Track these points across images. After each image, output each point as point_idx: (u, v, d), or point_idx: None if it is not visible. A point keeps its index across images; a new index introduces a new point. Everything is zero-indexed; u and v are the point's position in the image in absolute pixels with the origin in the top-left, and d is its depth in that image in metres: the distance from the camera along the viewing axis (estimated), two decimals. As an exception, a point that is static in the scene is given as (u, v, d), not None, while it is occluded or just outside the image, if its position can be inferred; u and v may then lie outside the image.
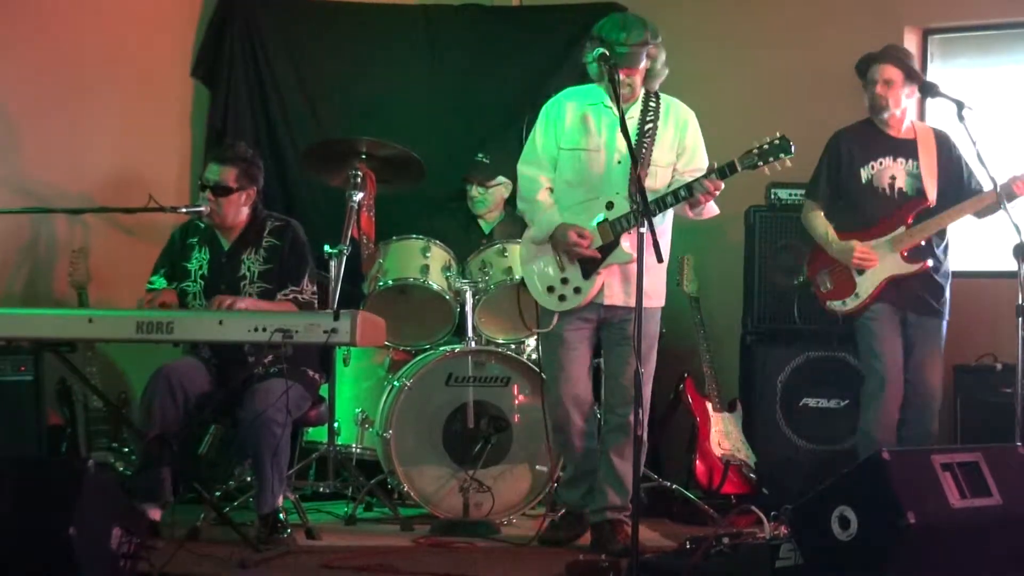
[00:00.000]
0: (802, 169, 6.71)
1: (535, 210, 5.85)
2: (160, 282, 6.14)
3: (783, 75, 7.75)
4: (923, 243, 6.35)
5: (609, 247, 5.70)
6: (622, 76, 5.62)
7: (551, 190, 5.85)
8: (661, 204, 5.64)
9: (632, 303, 5.68)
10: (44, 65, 7.11)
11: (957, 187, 6.44)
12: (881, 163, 6.44)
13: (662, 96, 5.86)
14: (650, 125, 5.75)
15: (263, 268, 6.11)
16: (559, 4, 8.09)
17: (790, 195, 7.22)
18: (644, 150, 5.70)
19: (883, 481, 4.66)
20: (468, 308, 6.66)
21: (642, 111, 5.78)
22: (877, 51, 6.49)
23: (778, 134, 5.55)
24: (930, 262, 6.34)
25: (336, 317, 5.23)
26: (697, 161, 5.81)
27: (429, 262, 6.73)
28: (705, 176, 5.56)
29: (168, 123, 7.78)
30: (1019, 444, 5.25)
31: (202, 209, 6.09)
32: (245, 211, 6.15)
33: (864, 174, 6.45)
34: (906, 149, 6.44)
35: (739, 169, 5.55)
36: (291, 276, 6.09)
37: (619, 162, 5.72)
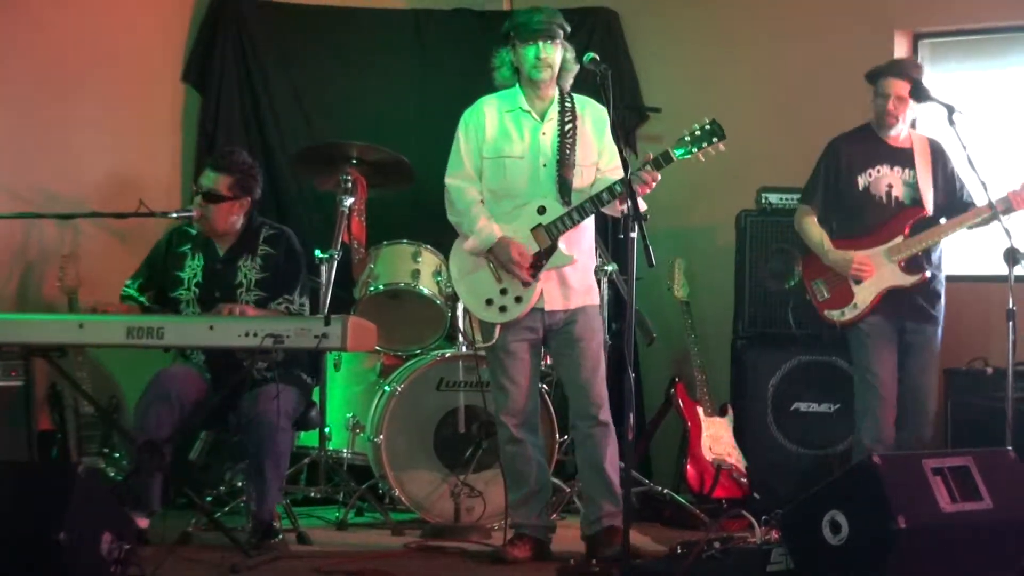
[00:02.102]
0: (794, 173, 6.74)
1: (471, 222, 5.72)
2: (132, 289, 6.14)
3: (773, 79, 7.75)
4: (920, 253, 6.32)
5: (547, 251, 5.63)
6: (542, 55, 5.63)
7: (482, 201, 5.76)
8: (597, 202, 5.58)
9: (571, 305, 5.71)
10: (35, 69, 7.09)
11: (951, 199, 6.41)
12: (879, 171, 6.37)
13: (575, 96, 5.81)
14: (569, 125, 5.70)
15: (260, 276, 6.10)
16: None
17: (781, 199, 7.22)
18: (567, 151, 5.66)
19: (874, 485, 4.67)
20: (459, 313, 6.65)
21: (560, 112, 5.73)
22: (889, 63, 6.42)
23: (707, 119, 5.50)
24: (928, 272, 6.32)
25: (327, 322, 5.23)
26: (617, 159, 5.63)
27: (420, 267, 6.73)
28: (641, 167, 5.48)
29: (159, 127, 7.78)
30: (1009, 448, 5.27)
31: (192, 213, 6.07)
32: (238, 220, 6.13)
33: (861, 181, 6.37)
34: (903, 158, 6.38)
35: (674, 158, 5.48)
36: (285, 286, 6.08)
37: (544, 165, 5.67)
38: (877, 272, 6.30)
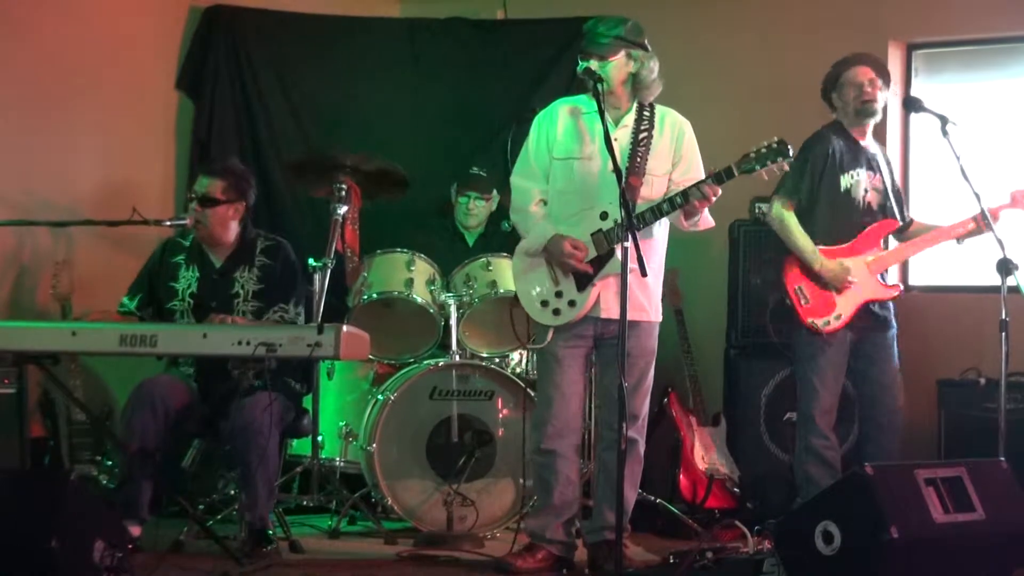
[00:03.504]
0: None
1: (528, 221, 5.70)
2: (131, 306, 6.13)
3: (767, 90, 7.76)
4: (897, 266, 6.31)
5: (604, 258, 5.55)
6: (594, 63, 5.52)
7: (544, 202, 5.71)
8: (656, 212, 5.51)
9: (629, 317, 5.66)
10: (28, 77, 7.09)
11: (901, 213, 6.40)
12: (858, 173, 6.29)
13: (656, 106, 5.74)
14: (644, 133, 5.62)
15: (256, 288, 6.10)
16: (543, 18, 8.10)
17: (775, 209, 7.22)
18: (639, 159, 5.58)
19: (867, 496, 4.68)
20: (452, 322, 6.64)
21: (636, 119, 5.65)
22: (848, 56, 6.37)
23: (775, 138, 5.42)
24: (900, 284, 6.31)
25: (320, 331, 5.22)
26: (694, 171, 5.66)
27: (413, 275, 6.71)
28: (702, 182, 5.44)
29: (152, 135, 7.77)
30: (1002, 459, 5.27)
31: (186, 222, 6.08)
32: (233, 226, 6.14)
33: (844, 182, 6.27)
34: (873, 162, 6.35)
35: (736, 174, 5.42)
36: (281, 296, 6.08)
37: (612, 171, 5.46)
38: (860, 283, 6.26)
